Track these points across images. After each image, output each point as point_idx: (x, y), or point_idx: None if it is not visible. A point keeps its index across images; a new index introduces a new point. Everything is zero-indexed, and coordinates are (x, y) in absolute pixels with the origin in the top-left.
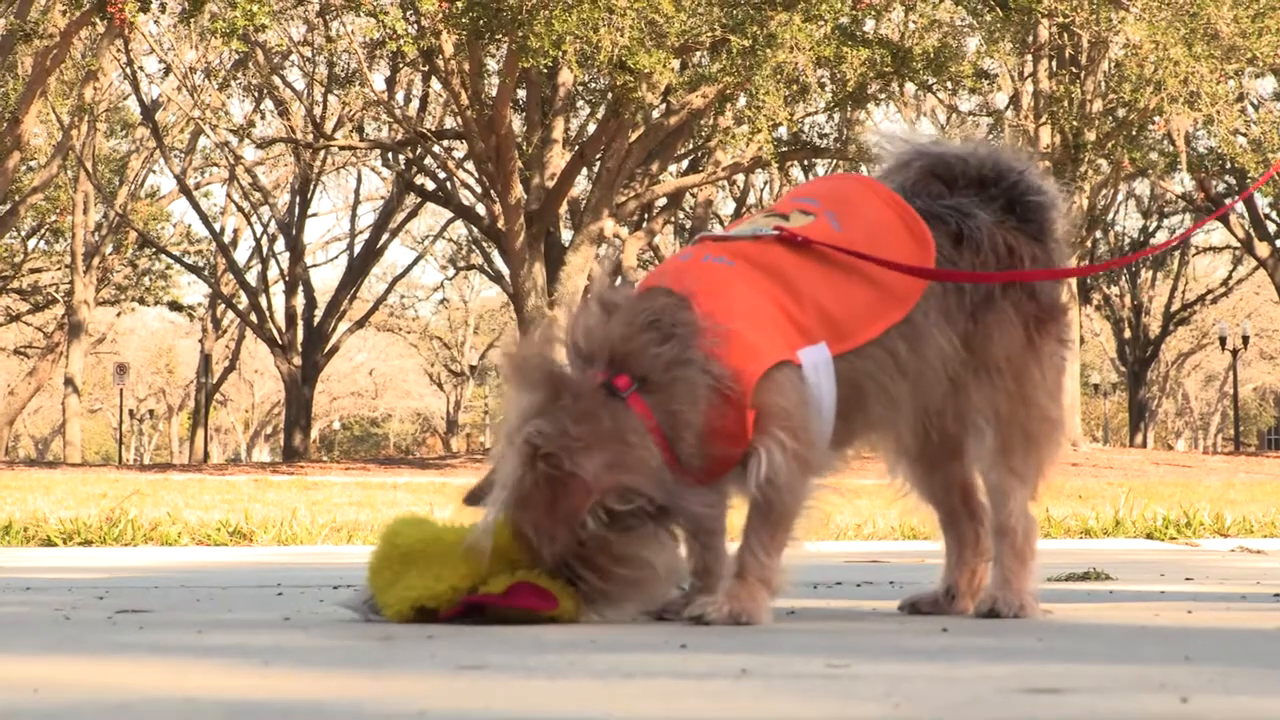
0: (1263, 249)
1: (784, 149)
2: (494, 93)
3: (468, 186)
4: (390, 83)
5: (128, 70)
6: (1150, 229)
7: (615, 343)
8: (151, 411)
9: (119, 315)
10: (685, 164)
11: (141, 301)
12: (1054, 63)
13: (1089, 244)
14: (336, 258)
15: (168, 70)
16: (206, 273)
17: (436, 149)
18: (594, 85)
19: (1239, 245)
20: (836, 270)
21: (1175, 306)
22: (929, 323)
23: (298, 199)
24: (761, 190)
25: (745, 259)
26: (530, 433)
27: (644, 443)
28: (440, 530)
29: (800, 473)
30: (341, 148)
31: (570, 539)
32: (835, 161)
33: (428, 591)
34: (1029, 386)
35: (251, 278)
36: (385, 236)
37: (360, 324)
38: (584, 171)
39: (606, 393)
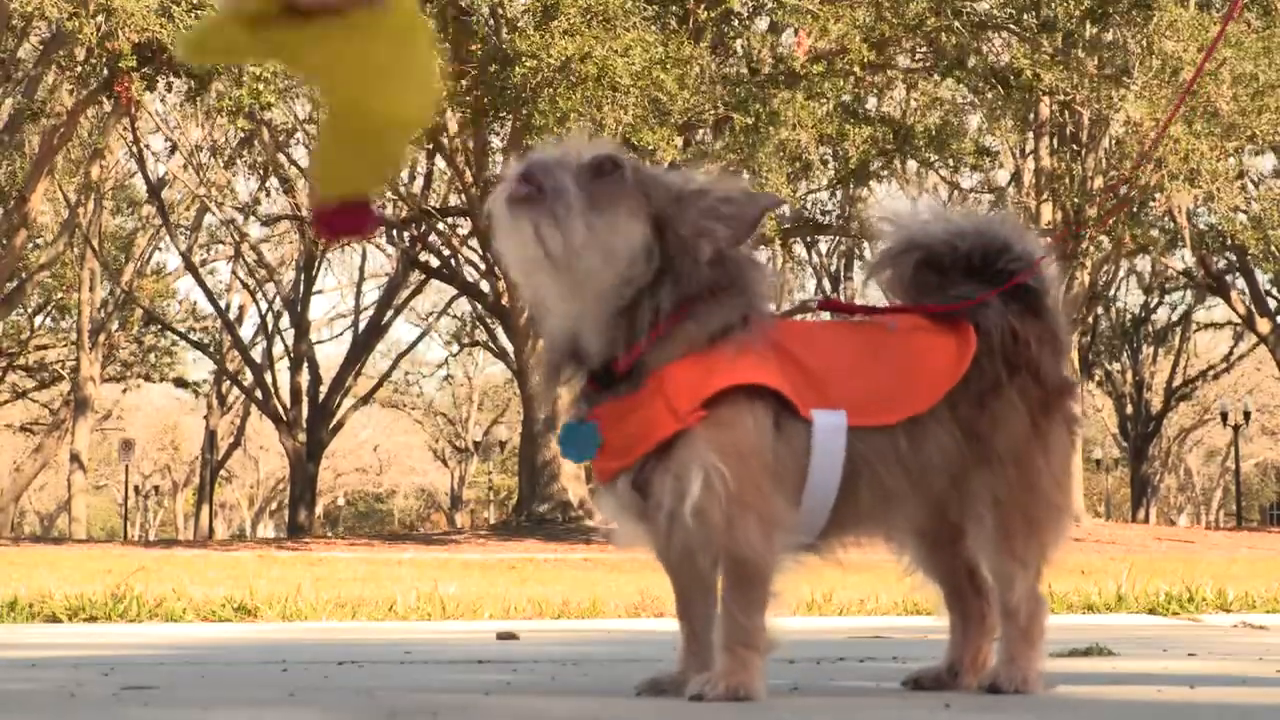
0: (1263, 325)
1: (786, 225)
2: (498, 170)
3: (472, 263)
4: None
5: (134, 148)
6: (1152, 305)
7: None
8: (157, 488)
9: (125, 392)
10: None
11: (147, 378)
12: (1055, 140)
13: (1090, 320)
14: (341, 334)
15: (174, 148)
16: (212, 349)
17: (441, 226)
18: None
19: (1240, 321)
20: (874, 353)
21: (1177, 382)
22: (932, 417)
23: (303, 276)
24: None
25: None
26: None
27: None
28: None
29: (758, 526)
30: None
31: None
32: (838, 238)
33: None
34: (1032, 474)
35: (257, 354)
36: (390, 313)
37: (365, 400)
38: None
39: None
